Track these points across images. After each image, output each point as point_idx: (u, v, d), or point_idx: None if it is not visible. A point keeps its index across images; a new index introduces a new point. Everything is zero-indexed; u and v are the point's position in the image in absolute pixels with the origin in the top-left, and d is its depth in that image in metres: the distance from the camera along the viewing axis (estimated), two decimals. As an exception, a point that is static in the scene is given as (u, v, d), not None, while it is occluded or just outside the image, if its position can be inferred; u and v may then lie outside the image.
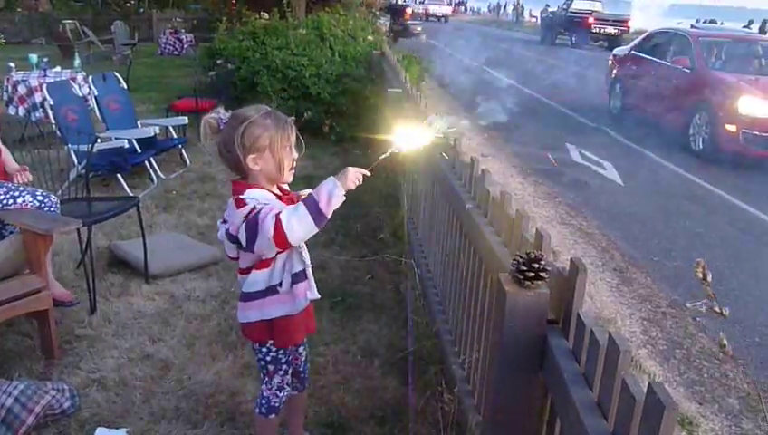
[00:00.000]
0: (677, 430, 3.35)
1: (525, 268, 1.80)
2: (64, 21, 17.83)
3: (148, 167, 6.58)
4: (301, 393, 2.78)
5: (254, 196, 2.21)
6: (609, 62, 13.15)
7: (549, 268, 1.83)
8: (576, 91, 14.55)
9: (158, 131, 6.89)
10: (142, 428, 3.02)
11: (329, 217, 2.14)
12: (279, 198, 2.32)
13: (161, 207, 5.94)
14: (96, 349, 3.62)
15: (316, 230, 2.15)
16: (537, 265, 1.80)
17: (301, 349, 2.67)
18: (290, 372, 2.58)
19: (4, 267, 3.37)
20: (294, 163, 2.33)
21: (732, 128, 8.90)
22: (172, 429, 3.02)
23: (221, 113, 2.28)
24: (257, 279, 2.34)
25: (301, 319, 2.45)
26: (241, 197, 2.21)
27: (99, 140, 5.81)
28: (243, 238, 2.19)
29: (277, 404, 2.59)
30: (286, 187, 2.44)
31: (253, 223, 2.15)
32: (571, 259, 1.83)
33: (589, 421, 1.52)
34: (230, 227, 2.28)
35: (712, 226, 6.71)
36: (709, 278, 1.37)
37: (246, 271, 2.36)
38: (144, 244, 4.43)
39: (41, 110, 7.71)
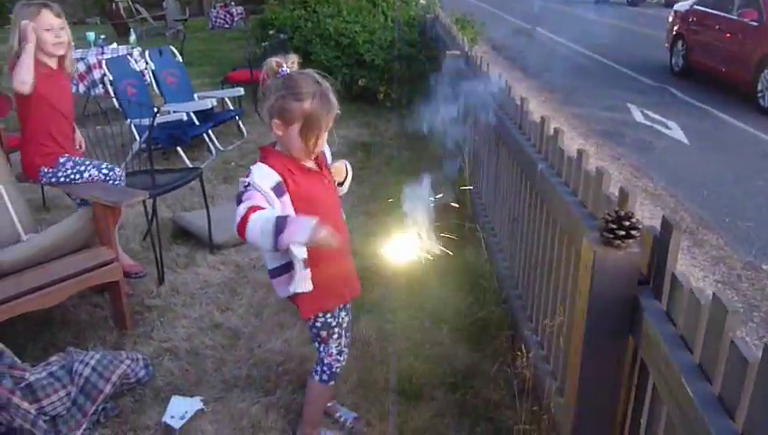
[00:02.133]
0: None
1: (615, 227, 1.71)
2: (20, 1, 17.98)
3: (207, 139, 6.62)
4: None
5: (255, 173, 2.18)
6: (670, 18, 12.56)
7: (640, 226, 1.73)
8: (635, 51, 14.11)
9: (215, 103, 6.91)
10: (215, 396, 3.05)
11: (282, 248, 2.05)
12: (307, 170, 2.30)
13: (221, 177, 5.98)
14: (166, 319, 3.66)
15: (268, 248, 2.08)
16: (628, 223, 1.71)
17: (343, 314, 2.56)
18: (343, 334, 2.55)
19: (75, 240, 3.41)
20: (317, 149, 2.28)
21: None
22: (245, 397, 3.03)
23: (289, 62, 2.23)
24: (273, 255, 2.30)
25: (331, 286, 2.41)
26: (252, 167, 2.21)
27: (158, 114, 5.85)
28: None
29: (338, 369, 2.59)
30: (328, 154, 2.46)
31: (238, 197, 2.15)
32: (664, 217, 1.74)
33: (691, 384, 1.44)
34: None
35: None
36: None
37: None
38: (208, 214, 4.46)
39: (100, 86, 7.80)
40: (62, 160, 3.69)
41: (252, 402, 2.99)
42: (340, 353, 2.56)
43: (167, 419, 2.89)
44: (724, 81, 10.20)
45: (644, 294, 1.76)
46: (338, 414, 2.88)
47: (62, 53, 3.62)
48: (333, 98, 2.22)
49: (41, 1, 3.53)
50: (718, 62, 10.40)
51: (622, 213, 1.74)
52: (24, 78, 3.41)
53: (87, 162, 3.78)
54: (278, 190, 2.17)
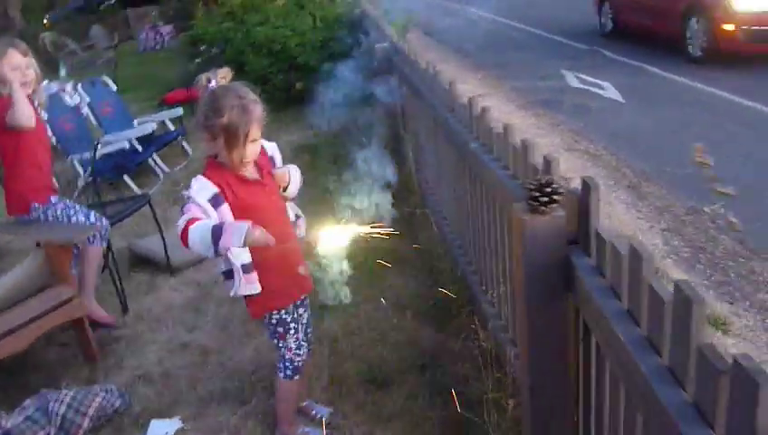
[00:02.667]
0: (712, 331, 3.39)
1: (538, 194, 1.82)
2: (42, 34, 17.71)
3: (153, 163, 6.62)
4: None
5: (193, 187, 2.29)
6: None
7: (561, 191, 1.85)
8: (563, 17, 14.34)
9: (155, 127, 6.90)
10: (193, 413, 3.11)
11: (222, 253, 2.24)
12: (246, 180, 2.40)
13: (172, 200, 5.98)
14: (135, 346, 3.70)
15: (210, 256, 2.25)
16: (549, 189, 1.82)
17: (301, 310, 2.68)
18: (299, 329, 2.66)
19: (33, 283, 3.42)
20: (246, 161, 2.36)
21: (729, 27, 8.67)
22: (222, 410, 3.10)
23: (219, 75, 2.32)
24: (219, 260, 2.43)
25: (278, 286, 2.52)
26: (192, 179, 2.33)
27: (99, 146, 5.84)
28: None
29: (300, 363, 2.68)
30: (278, 159, 2.60)
31: (181, 213, 2.26)
32: (582, 178, 1.85)
33: (622, 329, 1.56)
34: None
35: (718, 127, 6.63)
36: (711, 162, 1.38)
37: None
38: (162, 238, 4.49)
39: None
40: (53, 200, 3.71)
41: (230, 414, 3.06)
42: (299, 348, 2.65)
43: (148, 443, 2.94)
44: (653, 36, 10.45)
45: (574, 253, 1.88)
46: (313, 412, 2.97)
47: (29, 91, 3.59)
48: (257, 108, 2.32)
49: (6, 40, 3.56)
50: (645, 19, 10.63)
51: (543, 180, 1.85)
52: (28, 112, 3.47)
53: (77, 207, 3.81)
54: (215, 201, 2.28)
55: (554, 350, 2.03)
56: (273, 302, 2.54)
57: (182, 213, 2.24)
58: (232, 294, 2.44)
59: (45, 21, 24.12)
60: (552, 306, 1.96)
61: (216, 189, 2.29)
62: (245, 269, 2.37)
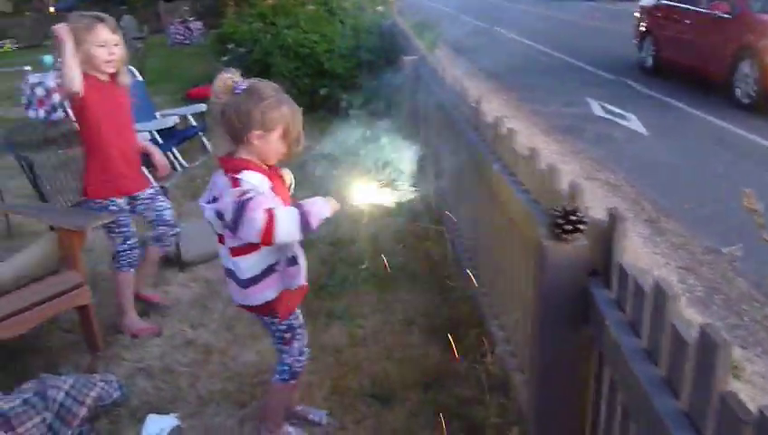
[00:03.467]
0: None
1: (563, 221, 1.78)
2: (73, 13, 17.84)
3: (171, 157, 6.61)
4: None
5: (250, 180, 2.23)
6: (637, 13, 12.32)
7: (586, 220, 1.81)
8: (599, 47, 14.20)
9: (177, 121, 6.91)
10: (191, 412, 3.07)
11: (312, 231, 2.27)
12: (277, 176, 2.42)
13: (188, 195, 5.97)
14: (139, 339, 3.67)
15: (297, 239, 2.30)
16: (574, 218, 1.78)
17: (299, 313, 2.67)
18: (304, 336, 2.65)
19: (42, 266, 3.41)
20: (299, 147, 2.38)
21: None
22: (220, 410, 3.06)
23: (237, 78, 2.28)
24: (253, 261, 2.37)
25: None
26: (236, 177, 2.23)
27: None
28: (228, 218, 2.23)
29: (300, 369, 2.66)
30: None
31: (241, 208, 2.17)
32: (609, 209, 1.81)
33: (639, 368, 1.52)
34: (220, 204, 2.26)
35: (745, 170, 6.54)
36: (760, 208, 1.34)
37: (241, 252, 2.37)
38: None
39: (60, 110, 7.76)
40: (112, 208, 3.55)
41: (227, 416, 3.02)
42: (301, 354, 2.64)
43: (143, 438, 2.91)
44: (696, 76, 10.04)
45: (594, 284, 1.84)
46: (310, 416, 2.94)
47: (112, 70, 3.42)
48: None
49: (95, 14, 3.38)
50: (689, 58, 10.21)
51: (569, 208, 1.81)
52: (71, 75, 3.21)
53: (125, 227, 3.64)
54: (272, 192, 2.29)
55: (565, 381, 1.98)
56: (293, 302, 2.53)
57: (245, 210, 2.16)
58: (295, 284, 2.45)
59: (51, 9, 24.39)
60: (567, 337, 1.92)
61: (269, 181, 2.28)
62: (292, 262, 2.41)
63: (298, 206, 2.24)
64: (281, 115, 2.26)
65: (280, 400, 2.78)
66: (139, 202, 3.68)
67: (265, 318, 2.54)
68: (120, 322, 3.73)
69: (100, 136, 3.47)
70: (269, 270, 2.39)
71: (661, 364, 1.50)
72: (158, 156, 3.87)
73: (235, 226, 2.21)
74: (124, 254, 3.66)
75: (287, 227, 2.17)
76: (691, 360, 1.36)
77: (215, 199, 2.32)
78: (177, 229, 3.87)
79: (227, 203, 2.22)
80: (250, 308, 2.52)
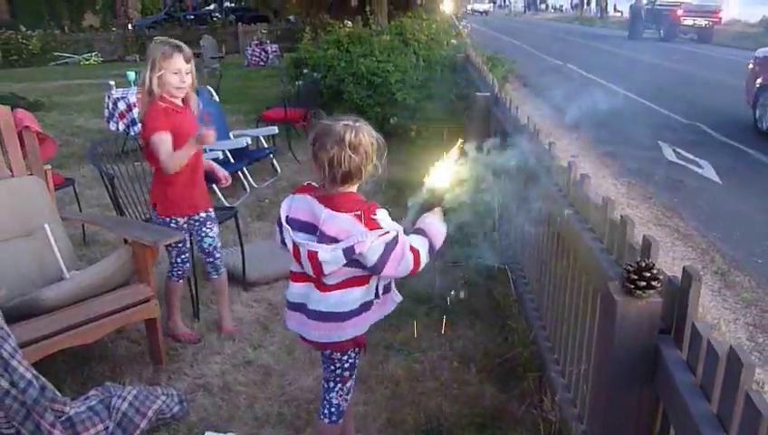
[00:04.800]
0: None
1: (636, 277, 1.76)
2: (156, 38, 18.55)
3: (242, 176, 6.78)
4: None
5: (387, 220, 2.26)
6: (750, 65, 10.67)
7: (661, 277, 1.79)
8: (693, 95, 13.61)
9: (249, 142, 7.08)
10: (247, 432, 3.12)
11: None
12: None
13: (255, 215, 6.11)
14: (201, 355, 3.76)
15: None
16: (648, 274, 1.76)
17: None
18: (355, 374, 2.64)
19: (115, 278, 3.54)
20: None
21: None
22: (276, 433, 3.10)
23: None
24: (356, 296, 2.36)
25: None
26: (373, 218, 2.23)
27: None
28: (372, 259, 2.22)
29: (345, 408, 2.66)
30: None
31: (389, 250, 2.23)
32: (684, 267, 1.79)
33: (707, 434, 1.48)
34: (357, 243, 2.20)
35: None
36: None
37: (334, 288, 2.34)
38: (242, 252, 4.57)
39: (140, 124, 8.02)
40: (172, 225, 3.73)
41: (282, 440, 3.06)
42: (349, 393, 2.64)
43: (200, 454, 2.97)
44: None
45: (665, 343, 1.81)
46: None
47: (181, 96, 3.60)
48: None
49: (175, 43, 3.55)
50: None
51: (643, 263, 1.79)
52: (175, 163, 3.48)
53: (181, 242, 3.79)
54: None
55: (628, 438, 1.95)
56: (363, 340, 2.52)
57: (392, 250, 2.24)
58: (389, 309, 2.53)
59: (129, 26, 25.36)
60: (632, 394, 1.89)
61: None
62: (386, 288, 2.48)
63: (422, 232, 2.37)
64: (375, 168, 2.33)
65: None
66: (192, 222, 3.81)
67: (337, 354, 2.50)
68: (166, 324, 3.90)
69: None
70: (366, 305, 2.40)
71: (731, 433, 1.46)
72: (217, 168, 4.05)
73: (381, 265, 2.24)
74: (176, 266, 3.87)
75: (426, 258, 2.33)
76: (764, 433, 1.32)
77: (327, 237, 2.26)
78: (218, 256, 3.94)
79: (365, 243, 2.19)
80: (328, 346, 2.48)
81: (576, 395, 2.79)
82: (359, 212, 2.22)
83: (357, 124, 2.28)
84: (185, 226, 3.78)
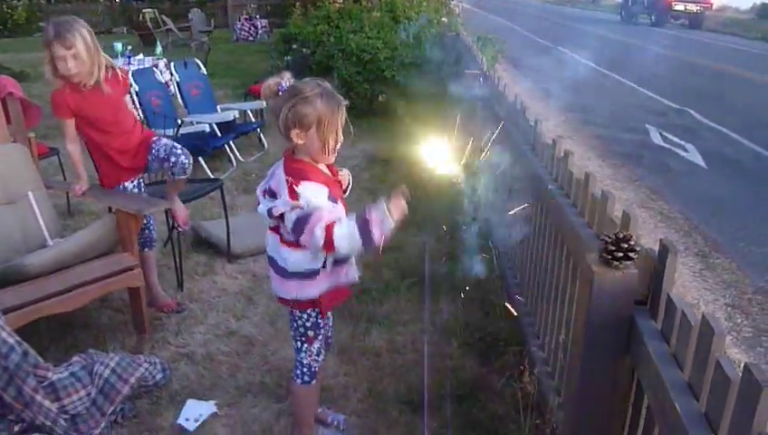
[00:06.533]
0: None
1: (614, 248, 1.79)
2: (144, 10, 18.39)
3: (228, 150, 6.76)
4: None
5: (307, 194, 2.23)
6: None
7: (638, 249, 1.81)
8: (681, 80, 13.71)
9: (237, 115, 7.06)
10: (229, 400, 3.14)
11: (379, 244, 2.21)
12: (334, 180, 2.42)
13: (241, 188, 6.10)
14: (184, 325, 3.77)
15: (361, 251, 2.27)
16: (626, 246, 1.79)
17: (329, 313, 2.71)
18: (324, 335, 2.65)
19: (98, 246, 3.53)
20: (338, 146, 2.36)
21: None
22: (257, 402, 3.12)
23: (285, 79, 2.30)
24: (296, 258, 2.37)
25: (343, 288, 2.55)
26: (295, 189, 2.23)
27: (182, 125, 6.01)
28: (288, 226, 2.27)
29: (317, 369, 2.67)
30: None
31: (301, 224, 2.22)
32: (661, 240, 1.81)
33: (680, 402, 1.52)
34: (275, 207, 2.28)
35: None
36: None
37: (285, 244, 2.38)
38: (227, 224, 4.58)
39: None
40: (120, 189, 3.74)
41: (263, 408, 3.08)
42: (318, 354, 2.65)
43: (181, 421, 2.99)
44: None
45: (640, 313, 1.83)
46: (330, 419, 2.99)
47: (77, 80, 3.47)
48: (337, 93, 2.31)
49: (54, 30, 3.40)
50: None
51: (621, 235, 1.82)
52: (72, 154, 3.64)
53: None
54: (332, 199, 2.31)
55: (602, 407, 1.98)
56: (337, 299, 2.55)
57: (305, 225, 2.20)
58: (350, 278, 2.50)
59: None
60: (609, 364, 1.92)
61: (326, 188, 2.29)
62: (340, 261, 2.44)
63: (362, 222, 2.19)
64: (314, 110, 2.22)
65: (307, 405, 2.80)
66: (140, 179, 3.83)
67: (297, 312, 2.53)
68: (148, 295, 3.86)
69: (90, 138, 3.66)
70: (314, 272, 2.40)
71: (702, 399, 1.50)
72: (179, 212, 4.04)
73: (295, 235, 2.26)
74: (140, 236, 3.80)
75: (348, 244, 2.20)
76: (733, 398, 1.36)
77: (270, 192, 2.34)
78: (179, 152, 3.78)
79: (282, 208, 2.25)
80: (283, 301, 2.55)
81: (554, 368, 2.83)
82: (290, 179, 2.26)
83: (306, 80, 2.31)
84: (135, 190, 3.77)
